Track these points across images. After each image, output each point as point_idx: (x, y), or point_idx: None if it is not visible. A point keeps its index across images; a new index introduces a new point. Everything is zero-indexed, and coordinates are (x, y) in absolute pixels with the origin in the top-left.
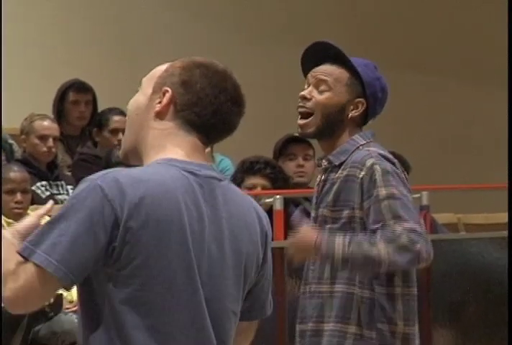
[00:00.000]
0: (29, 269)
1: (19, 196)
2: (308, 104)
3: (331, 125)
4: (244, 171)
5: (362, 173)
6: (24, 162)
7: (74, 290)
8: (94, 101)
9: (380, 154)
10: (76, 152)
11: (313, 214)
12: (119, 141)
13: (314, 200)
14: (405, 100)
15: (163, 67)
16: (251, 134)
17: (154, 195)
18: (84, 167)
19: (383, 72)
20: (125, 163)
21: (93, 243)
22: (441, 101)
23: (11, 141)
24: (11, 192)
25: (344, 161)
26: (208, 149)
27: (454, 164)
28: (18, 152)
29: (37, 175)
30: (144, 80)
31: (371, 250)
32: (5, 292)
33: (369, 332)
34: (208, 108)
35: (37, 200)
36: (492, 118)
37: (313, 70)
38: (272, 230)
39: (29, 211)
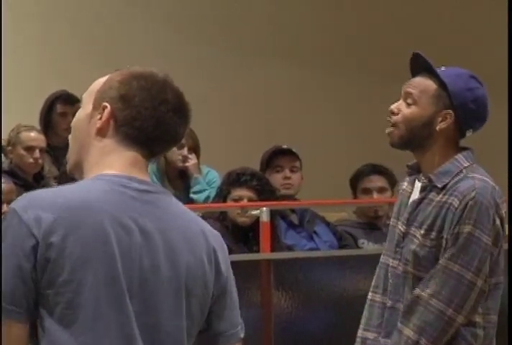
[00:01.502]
0: None
1: (5, 207)
2: (394, 118)
3: (418, 138)
4: (231, 183)
5: (460, 206)
6: (11, 173)
7: None
8: None
9: (485, 186)
10: (63, 163)
11: (402, 229)
12: None
13: (406, 215)
14: None
15: (102, 80)
16: (237, 146)
17: (74, 208)
18: (70, 178)
19: (372, 84)
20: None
21: (20, 268)
22: None
23: None
24: None
25: (447, 184)
26: (195, 161)
27: None
28: (5, 163)
29: (24, 186)
30: (85, 95)
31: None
32: None
33: None
34: (149, 121)
35: None
36: (489, 133)
37: (406, 82)
38: (259, 242)
39: None
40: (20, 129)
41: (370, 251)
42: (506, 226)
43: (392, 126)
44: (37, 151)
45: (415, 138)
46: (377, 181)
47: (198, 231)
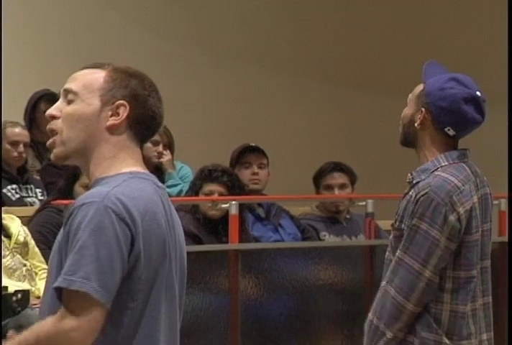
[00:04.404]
0: (76, 305)
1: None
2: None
3: (408, 135)
4: (203, 178)
5: (414, 200)
6: None
7: (40, 286)
8: None
9: (441, 185)
10: (45, 158)
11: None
12: None
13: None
14: (356, 115)
15: (98, 76)
16: (209, 144)
17: (151, 211)
18: (52, 171)
19: (336, 90)
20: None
21: (122, 262)
22: (388, 116)
23: None
24: None
25: (422, 180)
26: (169, 157)
27: (398, 174)
28: None
29: (8, 178)
30: (79, 88)
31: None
32: (69, 336)
33: (412, 338)
34: (158, 119)
35: (7, 203)
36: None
37: None
38: (228, 233)
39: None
40: (6, 124)
41: (331, 244)
42: (474, 222)
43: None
44: (21, 145)
45: (406, 135)
46: (338, 178)
47: (180, 223)
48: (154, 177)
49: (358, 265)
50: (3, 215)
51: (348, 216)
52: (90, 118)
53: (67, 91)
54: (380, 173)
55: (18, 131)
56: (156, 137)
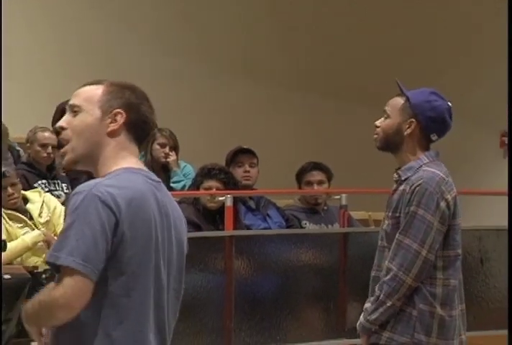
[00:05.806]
0: (63, 277)
1: (9, 190)
2: (377, 130)
3: (392, 142)
4: (203, 175)
5: (409, 191)
6: (29, 165)
7: None
8: None
9: (431, 177)
10: None
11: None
12: None
13: (387, 205)
14: (333, 121)
15: (97, 91)
16: (209, 146)
17: (137, 198)
18: (76, 169)
19: (317, 100)
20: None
21: (105, 241)
22: (361, 123)
23: (18, 148)
24: (3, 188)
25: (410, 176)
26: (174, 157)
27: (368, 173)
28: (23, 157)
29: (39, 175)
30: (82, 103)
31: (384, 303)
32: (58, 302)
33: (410, 309)
34: (150, 123)
35: None
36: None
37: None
38: (224, 222)
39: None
40: (36, 129)
41: (311, 231)
42: (457, 208)
43: (375, 134)
44: (50, 147)
45: (391, 143)
46: (317, 175)
47: (181, 214)
48: (147, 172)
49: (333, 249)
50: (26, 195)
51: (325, 208)
52: (93, 126)
53: (72, 106)
54: (353, 172)
55: (47, 135)
56: (163, 140)
